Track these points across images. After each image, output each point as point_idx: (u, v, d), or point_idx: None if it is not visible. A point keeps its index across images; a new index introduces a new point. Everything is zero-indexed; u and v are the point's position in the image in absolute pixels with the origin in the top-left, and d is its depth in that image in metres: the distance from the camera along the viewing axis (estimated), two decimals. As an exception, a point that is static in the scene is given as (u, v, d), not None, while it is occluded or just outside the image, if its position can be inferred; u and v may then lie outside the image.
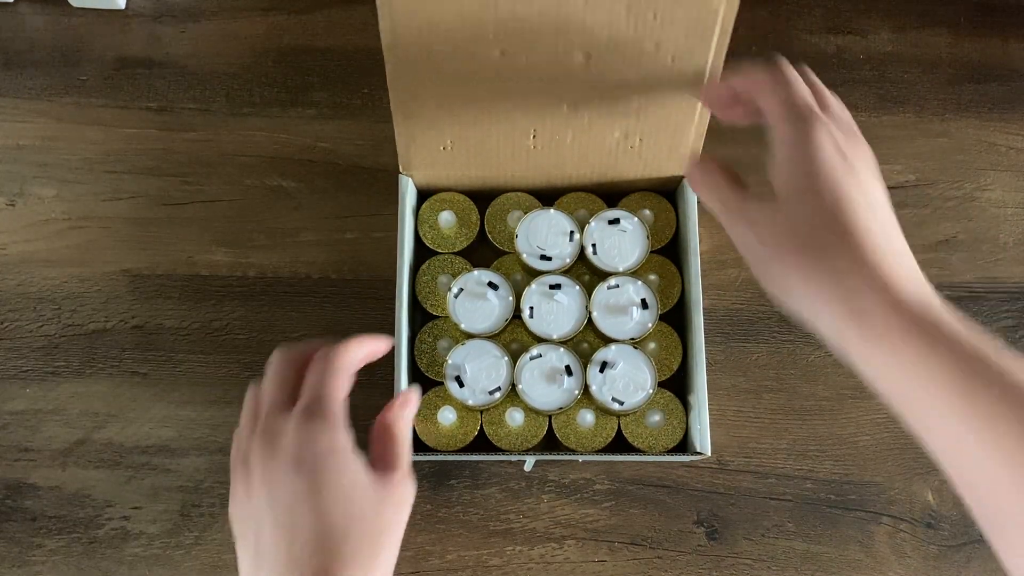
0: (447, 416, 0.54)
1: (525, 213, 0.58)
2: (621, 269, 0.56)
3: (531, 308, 0.55)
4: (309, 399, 0.40)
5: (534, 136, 0.53)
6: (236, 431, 0.43)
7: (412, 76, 0.48)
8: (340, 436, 0.39)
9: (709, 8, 0.44)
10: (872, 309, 0.34)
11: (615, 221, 0.57)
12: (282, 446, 0.39)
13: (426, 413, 0.55)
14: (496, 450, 0.54)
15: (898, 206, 0.65)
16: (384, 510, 0.39)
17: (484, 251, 0.59)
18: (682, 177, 0.57)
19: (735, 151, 0.66)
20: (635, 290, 0.55)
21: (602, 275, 0.56)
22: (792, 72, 0.41)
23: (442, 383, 0.55)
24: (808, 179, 0.37)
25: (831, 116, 0.40)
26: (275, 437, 0.39)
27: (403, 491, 0.41)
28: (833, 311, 0.35)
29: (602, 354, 0.54)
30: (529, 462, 0.57)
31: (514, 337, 0.57)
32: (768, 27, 0.68)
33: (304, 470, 0.38)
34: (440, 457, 0.55)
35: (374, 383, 0.60)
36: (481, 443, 0.55)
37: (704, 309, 0.55)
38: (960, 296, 0.62)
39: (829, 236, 0.36)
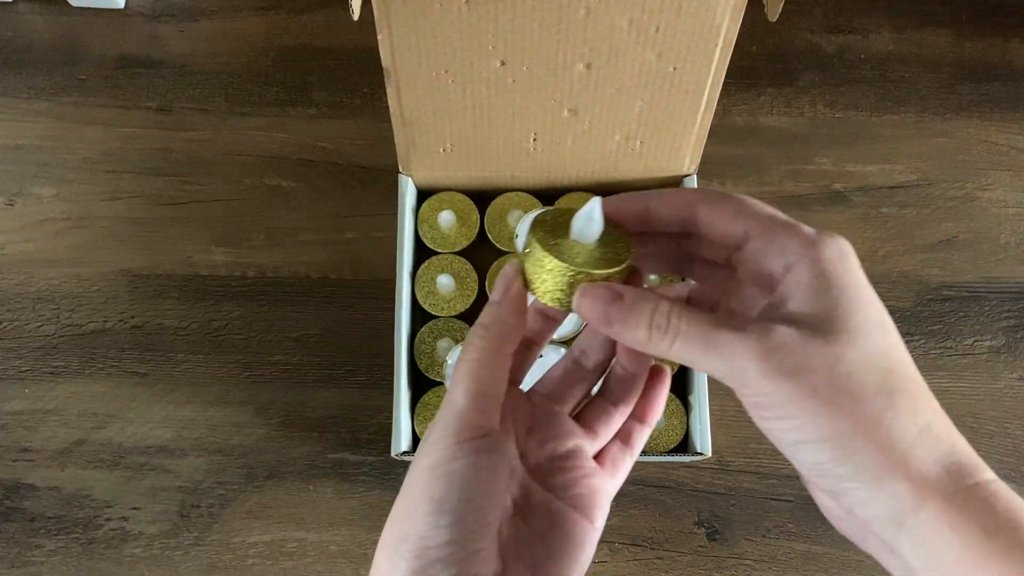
0: (447, 416, 0.54)
1: (525, 213, 0.57)
2: (621, 269, 0.56)
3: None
4: None
5: (534, 139, 0.53)
6: None
7: (411, 86, 0.48)
8: None
9: (712, 23, 0.44)
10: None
11: (615, 221, 0.57)
12: None
13: (426, 414, 0.55)
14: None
15: (900, 206, 0.66)
16: None
17: (484, 251, 0.59)
18: (684, 177, 0.57)
19: (736, 151, 0.66)
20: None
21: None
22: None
23: (442, 383, 0.55)
24: (871, 308, 0.27)
25: None
26: None
27: None
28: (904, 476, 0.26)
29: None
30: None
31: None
32: (768, 26, 0.68)
33: None
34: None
35: (373, 383, 0.60)
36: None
37: (705, 309, 0.54)
38: (961, 296, 0.62)
39: (907, 383, 0.27)
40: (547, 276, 0.30)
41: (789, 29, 0.68)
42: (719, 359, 0.27)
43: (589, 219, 0.30)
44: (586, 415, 0.35)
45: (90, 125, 0.65)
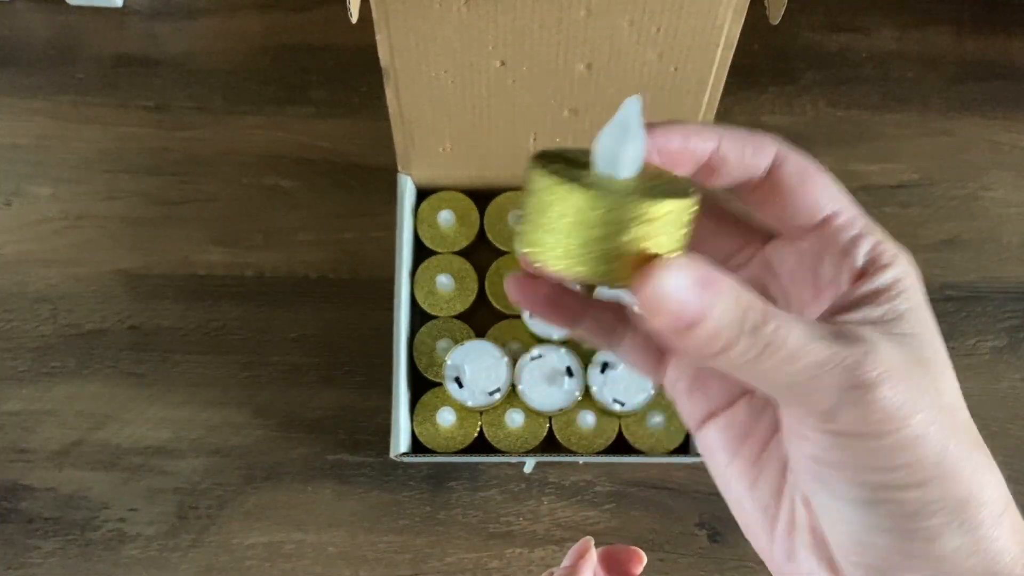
0: (446, 417, 0.54)
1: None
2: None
3: (531, 308, 0.55)
4: None
5: (534, 139, 0.53)
6: None
7: (410, 86, 0.48)
8: None
9: (714, 23, 0.44)
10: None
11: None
12: None
13: (425, 414, 0.55)
14: (496, 452, 0.54)
15: (901, 205, 0.66)
16: None
17: (484, 251, 0.58)
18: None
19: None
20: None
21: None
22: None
23: (441, 384, 0.55)
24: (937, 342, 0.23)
25: None
26: None
27: None
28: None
29: (603, 355, 0.54)
30: (529, 464, 0.56)
31: (514, 337, 0.56)
32: (769, 25, 0.67)
33: None
34: (439, 459, 0.55)
35: (372, 383, 0.60)
36: (481, 445, 0.54)
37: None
38: (964, 296, 0.62)
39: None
40: (570, 227, 0.19)
41: (791, 28, 0.68)
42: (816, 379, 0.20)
43: (625, 130, 0.19)
44: None
45: (87, 124, 0.64)
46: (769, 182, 0.24)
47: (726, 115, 0.65)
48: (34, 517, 0.57)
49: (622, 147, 0.19)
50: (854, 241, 0.23)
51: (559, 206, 0.19)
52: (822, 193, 0.24)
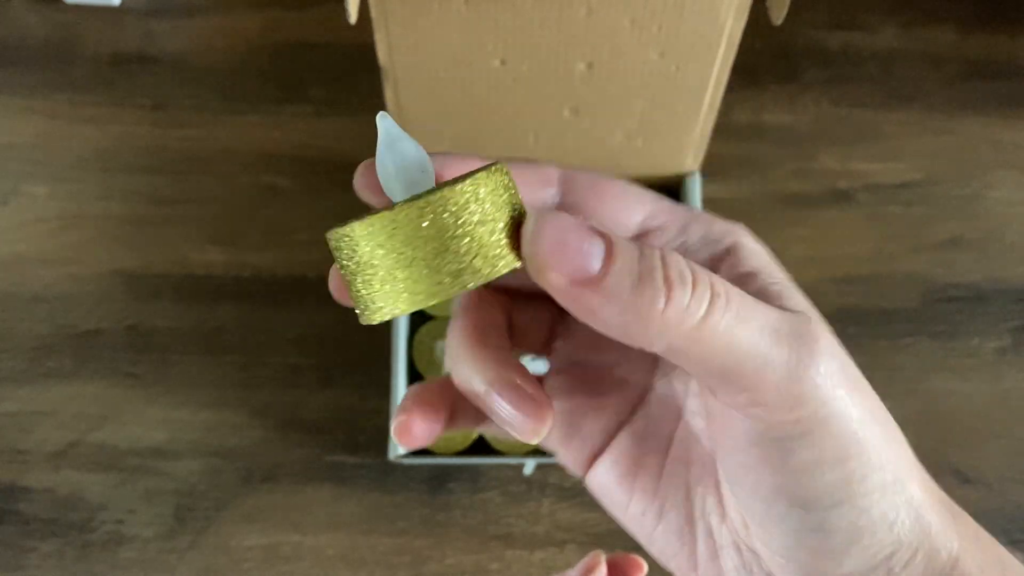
0: (446, 419, 0.53)
1: (525, 212, 0.57)
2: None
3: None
4: None
5: (535, 139, 0.52)
6: None
7: (409, 85, 0.48)
8: None
9: (716, 23, 0.44)
10: None
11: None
12: None
13: (424, 416, 0.54)
14: (496, 453, 0.54)
15: (904, 204, 0.65)
16: None
17: (483, 251, 0.58)
18: (686, 175, 0.56)
19: (739, 149, 0.66)
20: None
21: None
22: None
23: (441, 385, 0.54)
24: None
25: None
26: None
27: None
28: None
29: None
30: (529, 465, 0.56)
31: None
32: (771, 23, 0.67)
33: None
34: (439, 460, 0.54)
35: (371, 383, 0.59)
36: (481, 446, 0.54)
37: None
38: (967, 296, 0.61)
39: None
40: (399, 251, 0.19)
41: (793, 26, 0.67)
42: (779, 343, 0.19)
43: (390, 145, 0.20)
44: None
45: (84, 123, 0.64)
46: (565, 208, 0.23)
47: (727, 113, 0.65)
48: (31, 519, 0.57)
49: (394, 160, 0.19)
50: (684, 231, 0.22)
51: (369, 243, 0.18)
52: (624, 200, 0.23)
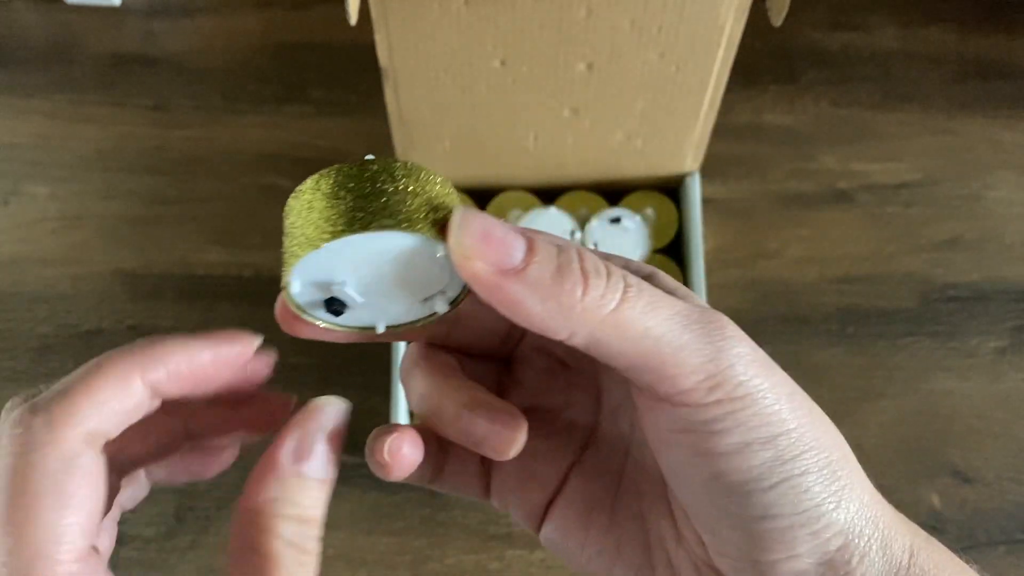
0: (446, 418, 0.53)
1: (525, 212, 0.57)
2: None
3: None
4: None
5: (535, 139, 0.53)
6: None
7: (409, 85, 0.48)
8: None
9: (715, 24, 0.44)
10: None
11: (616, 220, 0.56)
12: None
13: (424, 415, 0.54)
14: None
15: (903, 205, 0.65)
16: None
17: (483, 251, 0.58)
18: (686, 175, 0.56)
19: (738, 149, 0.66)
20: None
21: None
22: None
23: (441, 385, 0.54)
24: None
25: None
26: None
27: None
28: None
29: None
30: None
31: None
32: (771, 22, 0.67)
33: None
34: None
35: (371, 384, 0.59)
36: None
37: (707, 310, 0.54)
38: (966, 296, 0.61)
39: None
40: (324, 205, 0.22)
41: (792, 26, 0.67)
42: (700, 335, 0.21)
43: None
44: None
45: (85, 123, 0.64)
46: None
47: (727, 113, 0.65)
48: (32, 518, 0.57)
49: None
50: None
51: (303, 205, 0.22)
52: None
